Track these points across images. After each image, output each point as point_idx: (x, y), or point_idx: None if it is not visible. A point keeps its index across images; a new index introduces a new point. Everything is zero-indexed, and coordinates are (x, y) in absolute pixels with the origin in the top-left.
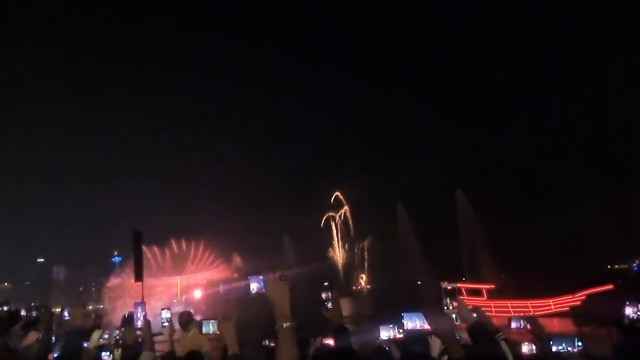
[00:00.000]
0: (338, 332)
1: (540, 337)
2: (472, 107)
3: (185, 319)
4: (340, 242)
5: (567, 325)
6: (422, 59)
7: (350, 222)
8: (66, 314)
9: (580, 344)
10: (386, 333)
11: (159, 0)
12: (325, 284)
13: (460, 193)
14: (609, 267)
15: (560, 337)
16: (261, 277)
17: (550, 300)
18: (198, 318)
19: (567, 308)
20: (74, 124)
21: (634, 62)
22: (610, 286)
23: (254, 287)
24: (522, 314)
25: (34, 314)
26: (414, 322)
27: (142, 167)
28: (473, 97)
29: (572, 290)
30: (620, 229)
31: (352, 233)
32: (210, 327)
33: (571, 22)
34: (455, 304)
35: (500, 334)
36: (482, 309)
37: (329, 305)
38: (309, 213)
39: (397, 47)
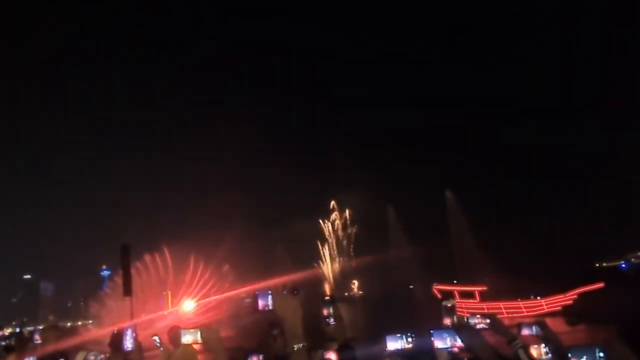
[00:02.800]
0: (342, 349)
1: (555, 344)
2: (462, 110)
3: (175, 335)
4: (335, 250)
5: (559, 325)
6: (416, 61)
7: (348, 229)
8: (37, 337)
9: (602, 354)
10: (394, 344)
11: (153, 3)
12: (327, 298)
13: (450, 194)
14: (597, 265)
15: (580, 348)
16: (269, 292)
17: (543, 300)
18: None
19: (559, 307)
20: (60, 136)
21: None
22: (601, 284)
23: (261, 303)
24: (532, 319)
25: (12, 342)
26: (444, 340)
27: (130, 178)
28: (463, 99)
29: (563, 289)
30: (609, 226)
31: (351, 242)
32: (190, 337)
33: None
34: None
35: (517, 341)
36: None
37: (331, 321)
38: (304, 220)
39: (391, 51)
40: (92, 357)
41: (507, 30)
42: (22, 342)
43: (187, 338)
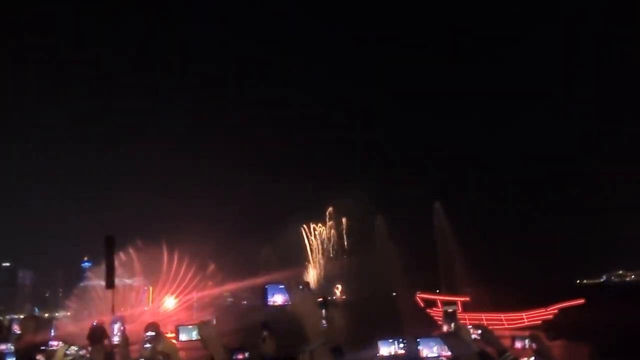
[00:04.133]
0: (334, 352)
1: (548, 358)
2: (452, 125)
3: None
4: (320, 253)
5: None
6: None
7: (334, 234)
8: (16, 327)
9: None
10: (387, 349)
11: (157, 4)
12: (320, 299)
13: (438, 206)
14: (578, 282)
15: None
16: (282, 286)
17: (524, 314)
18: (169, 327)
19: (540, 321)
20: (45, 126)
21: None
22: (582, 300)
23: (277, 299)
24: (526, 333)
25: None
26: (431, 349)
27: (117, 171)
28: (454, 112)
29: (544, 303)
30: (590, 246)
31: (335, 246)
32: (188, 334)
33: (556, 27)
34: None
35: (508, 354)
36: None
37: (324, 323)
38: (291, 223)
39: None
40: (74, 351)
41: (503, 42)
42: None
43: (184, 335)
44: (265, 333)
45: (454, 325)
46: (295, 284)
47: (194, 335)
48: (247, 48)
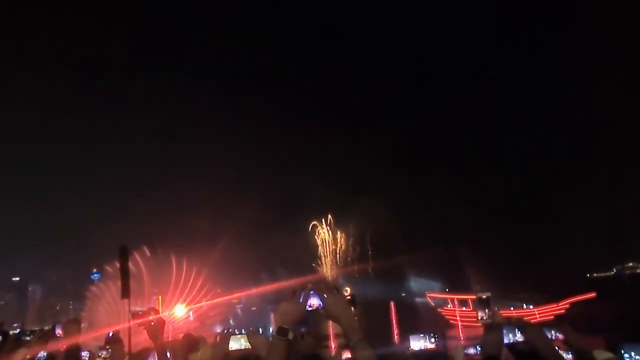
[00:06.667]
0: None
1: (577, 347)
2: (462, 119)
3: (193, 341)
4: (330, 255)
5: None
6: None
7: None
8: (59, 331)
9: None
10: (417, 343)
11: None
12: (348, 297)
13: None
14: (588, 275)
15: (631, 345)
16: (312, 292)
17: (535, 309)
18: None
19: (552, 317)
20: (48, 134)
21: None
22: (593, 294)
23: (313, 302)
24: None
25: (28, 338)
26: (507, 337)
27: (123, 180)
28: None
29: (555, 299)
30: (600, 238)
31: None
32: (241, 343)
33: (556, 32)
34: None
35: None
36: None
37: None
38: (299, 227)
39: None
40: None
41: (509, 47)
42: (10, 342)
43: (235, 344)
44: (303, 330)
45: (488, 311)
46: (327, 288)
47: (243, 343)
48: (268, 51)
